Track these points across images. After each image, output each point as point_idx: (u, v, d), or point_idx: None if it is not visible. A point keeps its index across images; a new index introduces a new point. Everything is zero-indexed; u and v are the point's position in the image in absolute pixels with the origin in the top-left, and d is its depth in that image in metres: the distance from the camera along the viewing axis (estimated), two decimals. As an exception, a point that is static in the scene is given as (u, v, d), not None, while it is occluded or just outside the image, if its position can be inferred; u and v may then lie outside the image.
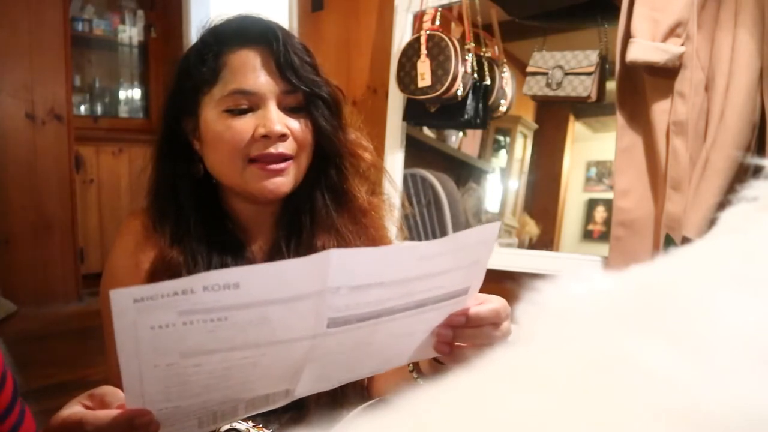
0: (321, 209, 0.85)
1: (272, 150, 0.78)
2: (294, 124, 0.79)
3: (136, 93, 3.82)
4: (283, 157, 0.79)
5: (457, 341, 0.59)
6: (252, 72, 0.78)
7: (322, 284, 0.45)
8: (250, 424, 0.72)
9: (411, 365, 0.69)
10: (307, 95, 0.80)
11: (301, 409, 0.79)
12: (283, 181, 0.80)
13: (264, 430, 0.73)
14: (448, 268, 0.52)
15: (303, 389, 0.55)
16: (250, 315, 0.44)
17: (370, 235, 0.87)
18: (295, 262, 0.44)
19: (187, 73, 0.81)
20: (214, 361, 0.46)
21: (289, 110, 0.80)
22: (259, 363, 0.48)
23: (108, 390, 0.52)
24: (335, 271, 0.45)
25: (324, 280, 0.45)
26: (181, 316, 0.42)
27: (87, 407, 0.51)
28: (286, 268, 0.44)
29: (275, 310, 0.44)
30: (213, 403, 0.50)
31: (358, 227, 0.86)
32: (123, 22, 3.70)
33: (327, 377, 0.56)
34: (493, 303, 0.59)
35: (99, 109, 3.69)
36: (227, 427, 0.69)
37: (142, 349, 0.43)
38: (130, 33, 3.71)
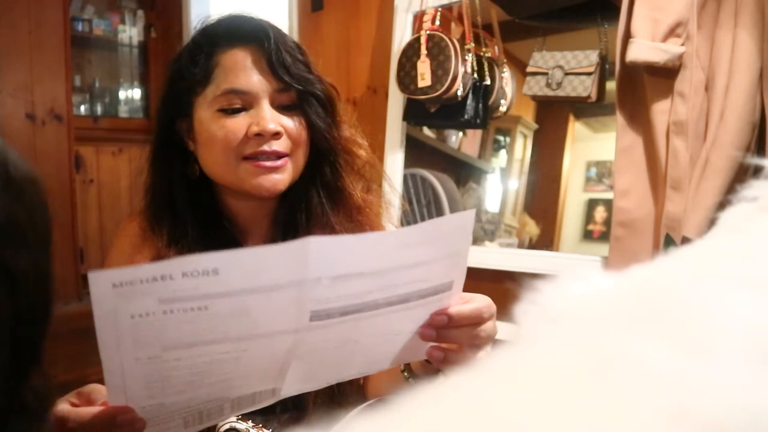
0: (316, 207, 0.85)
1: (266, 148, 0.78)
2: (288, 122, 0.80)
3: (136, 93, 3.82)
4: (277, 155, 0.79)
5: (441, 341, 0.59)
6: (244, 71, 0.78)
7: (303, 274, 0.45)
8: (250, 423, 0.72)
9: (402, 366, 0.69)
10: (300, 93, 0.80)
11: (300, 408, 0.79)
12: (280, 178, 0.80)
13: (264, 430, 0.73)
14: (428, 258, 0.52)
15: (290, 388, 0.54)
16: (230, 305, 0.43)
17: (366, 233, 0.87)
18: (274, 248, 0.43)
19: (180, 74, 0.82)
20: (195, 355, 0.45)
21: (283, 108, 0.80)
22: (241, 358, 0.48)
23: (95, 387, 0.52)
24: (315, 260, 0.45)
25: (304, 270, 0.45)
26: (161, 305, 0.41)
27: (74, 405, 0.51)
28: (264, 253, 0.43)
29: (255, 300, 0.44)
30: (198, 401, 0.50)
31: (354, 224, 0.86)
32: (123, 22, 3.69)
33: (313, 376, 0.55)
34: (476, 302, 0.58)
35: (99, 109, 3.69)
36: (227, 426, 0.69)
37: (123, 340, 0.42)
38: (130, 33, 3.71)
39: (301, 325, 0.48)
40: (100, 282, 0.40)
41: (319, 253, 0.45)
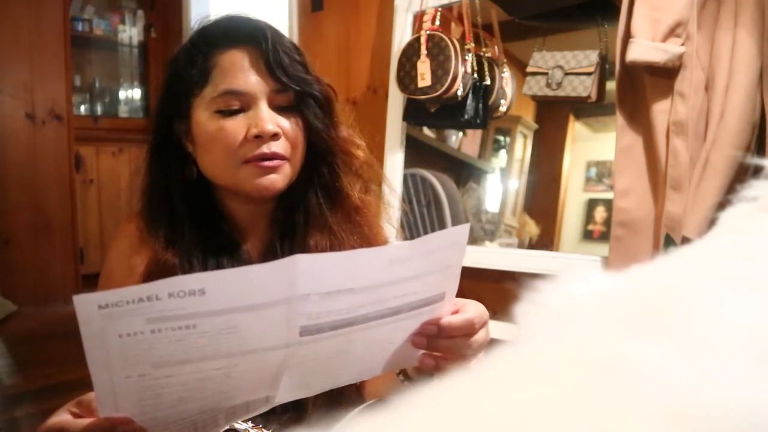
0: (314, 208, 0.85)
1: (265, 149, 0.78)
2: (285, 123, 0.79)
3: (136, 93, 3.82)
4: (276, 157, 0.79)
5: (432, 350, 0.58)
6: (242, 72, 0.78)
7: (291, 291, 0.44)
8: (250, 424, 0.72)
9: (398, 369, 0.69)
10: (297, 94, 0.80)
11: (300, 409, 0.79)
12: (278, 178, 0.79)
13: (263, 430, 0.73)
14: (420, 272, 0.51)
15: (283, 396, 0.54)
16: (219, 323, 0.43)
17: (364, 234, 0.86)
18: (260, 268, 0.43)
19: (178, 75, 0.81)
20: (187, 372, 0.45)
21: (281, 109, 0.80)
22: (232, 374, 0.47)
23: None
24: (303, 277, 0.44)
25: (293, 287, 0.44)
26: (149, 324, 0.41)
27: (75, 414, 0.51)
28: (251, 273, 0.43)
29: (244, 318, 0.44)
30: (191, 413, 0.49)
31: (352, 225, 0.86)
32: (123, 22, 3.70)
33: (306, 384, 0.55)
34: (468, 312, 0.58)
35: (99, 109, 3.69)
36: (226, 427, 0.69)
37: (112, 359, 0.42)
38: (130, 33, 3.71)
39: (291, 340, 0.48)
40: (86, 304, 0.39)
41: (308, 271, 0.44)
